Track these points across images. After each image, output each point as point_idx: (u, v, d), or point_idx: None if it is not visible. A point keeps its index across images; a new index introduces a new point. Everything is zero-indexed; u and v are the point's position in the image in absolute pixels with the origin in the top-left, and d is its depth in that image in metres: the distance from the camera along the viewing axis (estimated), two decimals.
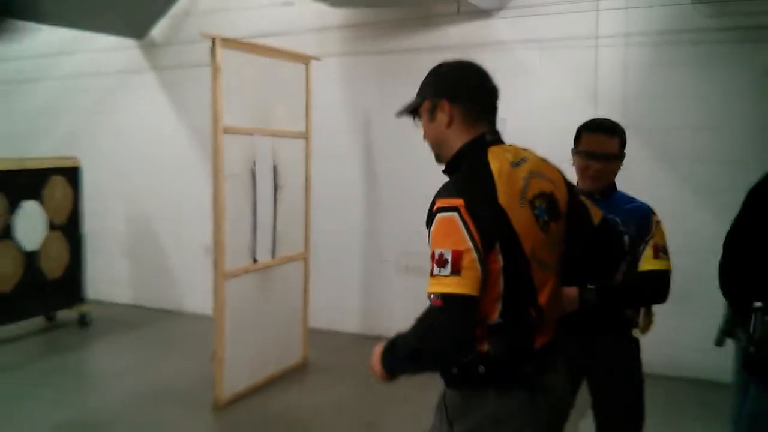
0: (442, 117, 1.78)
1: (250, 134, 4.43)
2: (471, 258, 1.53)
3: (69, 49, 7.04)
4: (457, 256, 1.52)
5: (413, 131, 5.55)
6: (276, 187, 4.72)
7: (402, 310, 5.65)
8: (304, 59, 4.93)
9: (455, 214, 1.56)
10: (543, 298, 1.70)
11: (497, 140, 1.79)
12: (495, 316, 1.62)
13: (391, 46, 5.57)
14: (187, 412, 4.24)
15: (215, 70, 4.06)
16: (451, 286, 1.52)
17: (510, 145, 1.81)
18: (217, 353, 4.21)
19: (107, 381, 4.87)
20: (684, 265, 4.69)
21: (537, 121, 5.02)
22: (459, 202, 1.57)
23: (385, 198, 5.68)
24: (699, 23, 4.63)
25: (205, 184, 6.17)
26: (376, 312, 5.81)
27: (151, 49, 6.68)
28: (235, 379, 4.37)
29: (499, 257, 1.60)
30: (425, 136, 1.87)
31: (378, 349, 1.75)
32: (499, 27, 5.19)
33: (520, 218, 1.63)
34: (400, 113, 1.93)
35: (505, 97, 5.79)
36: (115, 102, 6.90)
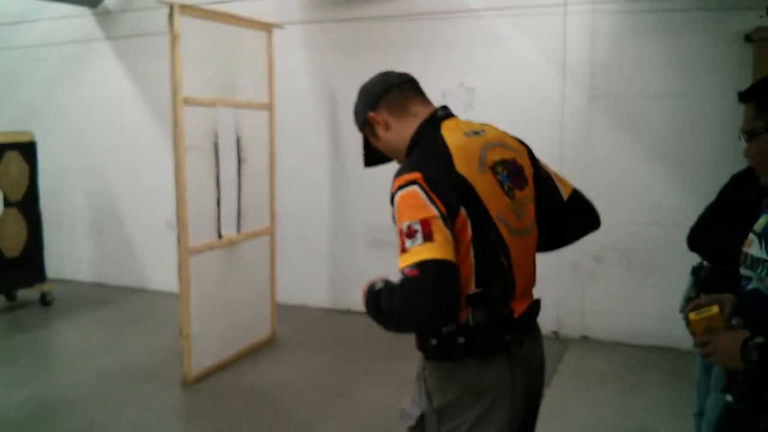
0: (379, 128, 1.83)
1: (212, 105, 4.31)
2: (439, 224, 1.51)
3: (22, 19, 6.75)
4: (426, 223, 1.50)
5: None
6: (240, 160, 4.62)
7: None
8: (267, 27, 4.79)
9: (415, 186, 1.55)
10: (516, 262, 1.69)
11: (449, 114, 1.80)
12: (471, 286, 1.61)
13: (357, 13, 5.43)
14: (155, 388, 4.18)
15: (173, 39, 3.93)
16: (426, 252, 1.47)
17: (467, 120, 1.81)
18: (183, 329, 4.14)
19: (72, 359, 4.78)
20: (648, 235, 4.78)
21: (506, 90, 4.98)
22: (416, 175, 1.56)
23: (351, 171, 5.60)
24: None
25: (167, 158, 6.01)
26: (344, 286, 5.77)
27: (106, 18, 6.44)
28: (203, 355, 4.31)
29: (468, 225, 1.58)
30: (386, 153, 1.90)
31: (364, 288, 1.68)
32: None
33: (483, 184, 1.63)
34: (367, 161, 1.98)
35: (474, 65, 5.82)
36: (71, 73, 6.65)
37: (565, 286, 4.98)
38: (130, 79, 6.40)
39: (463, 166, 1.61)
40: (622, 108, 4.79)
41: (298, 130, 5.63)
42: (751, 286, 1.73)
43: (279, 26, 4.89)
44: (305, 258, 5.85)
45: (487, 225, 1.62)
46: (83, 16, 6.48)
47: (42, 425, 3.73)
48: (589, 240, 5.06)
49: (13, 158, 5.73)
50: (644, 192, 4.78)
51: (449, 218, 1.54)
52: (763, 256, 1.70)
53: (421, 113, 1.80)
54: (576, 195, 1.93)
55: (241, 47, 4.58)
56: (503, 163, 1.71)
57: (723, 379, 1.83)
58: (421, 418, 1.69)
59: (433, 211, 1.51)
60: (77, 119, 6.67)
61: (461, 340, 1.62)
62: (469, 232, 1.58)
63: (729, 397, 1.77)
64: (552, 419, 3.69)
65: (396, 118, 1.80)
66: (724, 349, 1.63)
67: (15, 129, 6.07)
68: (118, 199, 6.63)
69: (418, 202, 1.52)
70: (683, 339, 4.55)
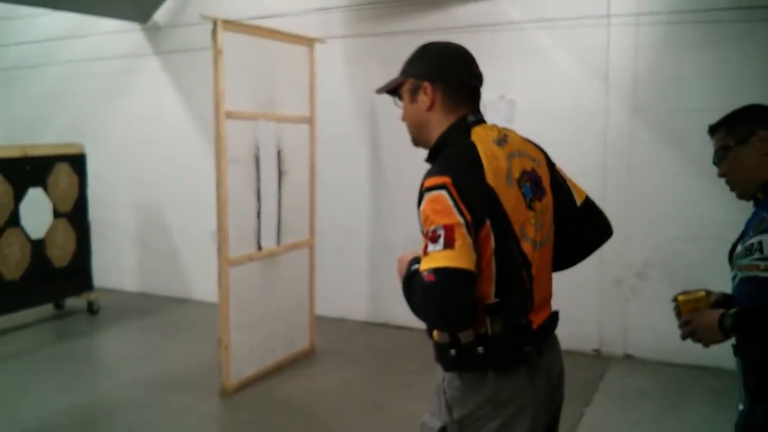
0: (423, 99, 1.76)
1: (254, 119, 4.38)
2: (462, 232, 1.51)
3: (72, 34, 6.98)
4: (449, 229, 1.51)
5: None
6: (280, 173, 4.67)
7: None
8: (308, 42, 4.86)
9: (443, 191, 1.55)
10: (536, 274, 1.69)
11: (480, 120, 1.77)
12: (491, 297, 1.61)
13: (397, 27, 5.47)
14: (194, 397, 4.24)
15: (216, 54, 4.01)
16: (445, 260, 1.48)
17: (492, 125, 1.79)
18: (222, 340, 4.20)
19: (116, 367, 4.89)
20: (692, 250, 4.66)
21: (547, 102, 4.94)
22: (446, 179, 1.55)
23: (391, 183, 5.62)
24: (711, 2, 4.52)
25: (210, 171, 6.14)
26: (382, 299, 5.77)
27: (154, 33, 6.61)
28: (242, 365, 4.36)
29: (491, 236, 1.58)
30: (404, 117, 1.84)
31: (405, 260, 1.71)
32: (508, 7, 5.08)
33: (509, 197, 1.63)
34: (381, 90, 1.89)
35: (515, 77, 5.79)
36: (120, 87, 6.85)
37: (607, 304, 4.89)
38: (176, 93, 6.55)
39: (492, 177, 1.61)
40: (665, 121, 4.70)
41: (338, 143, 5.68)
42: (737, 279, 1.86)
43: (321, 41, 4.95)
44: (344, 270, 5.87)
45: (511, 238, 1.62)
46: (133, 31, 6.66)
47: (87, 429, 3.82)
48: (630, 254, 4.97)
49: (63, 170, 5.90)
50: (688, 206, 4.68)
51: (474, 227, 1.54)
52: (740, 248, 1.85)
53: (458, 114, 1.76)
54: (589, 202, 1.91)
55: (282, 61, 4.64)
56: (525, 174, 1.71)
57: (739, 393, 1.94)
58: (442, 430, 1.69)
59: (458, 218, 1.52)
60: (124, 132, 6.85)
61: (480, 350, 1.62)
62: (492, 244, 1.59)
63: (741, 406, 1.91)
64: None
65: (443, 107, 1.76)
66: (704, 325, 1.80)
67: (64, 141, 6.28)
68: (162, 211, 6.77)
69: (445, 208, 1.53)
70: (727, 359, 4.42)
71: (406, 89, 1.80)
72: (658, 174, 4.76)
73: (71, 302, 6.27)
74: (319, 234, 5.18)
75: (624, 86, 4.77)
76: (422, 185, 1.60)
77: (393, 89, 1.86)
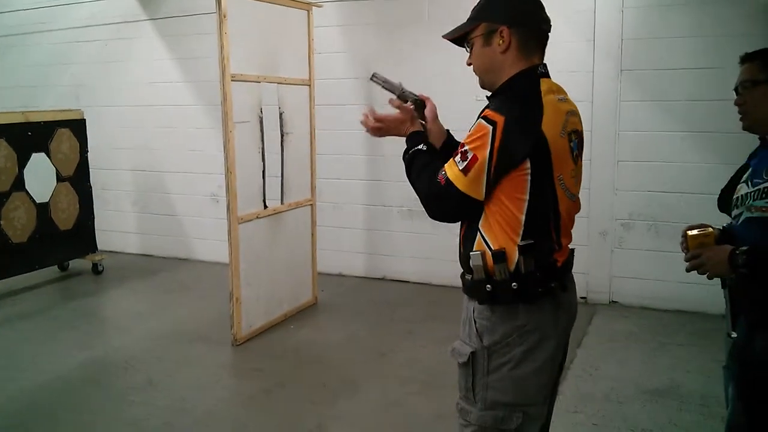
0: (498, 42, 1.84)
1: (257, 82, 4.52)
2: (481, 168, 1.73)
3: (68, 1, 7.02)
4: (474, 160, 1.73)
5: (415, 77, 5.75)
6: (282, 134, 4.84)
7: (406, 251, 5.87)
8: (306, 6, 4.98)
9: (490, 128, 1.71)
10: (563, 220, 1.86)
11: (546, 73, 1.89)
12: (520, 234, 1.78)
13: None
14: (207, 348, 4.46)
15: (221, 18, 4.13)
16: (458, 179, 1.75)
17: (555, 82, 1.90)
18: (233, 293, 4.41)
19: (127, 323, 5.07)
20: (677, 202, 4.92)
21: None
22: (500, 119, 1.71)
23: (387, 145, 5.75)
24: None
25: (209, 133, 6.32)
26: (380, 255, 6.02)
27: None
28: (251, 317, 4.59)
29: (527, 178, 1.74)
30: (473, 62, 1.93)
31: (408, 130, 2.07)
32: None
33: (558, 146, 1.77)
34: (448, 36, 1.96)
35: None
36: (118, 53, 6.93)
37: (594, 253, 5.16)
38: (172, 57, 6.65)
39: (548, 126, 1.73)
40: (651, 80, 4.91)
41: (335, 105, 5.83)
42: (742, 218, 1.99)
43: (318, 5, 5.08)
44: (342, 228, 6.09)
45: (548, 183, 1.78)
46: None
47: (105, 381, 4.00)
48: (617, 208, 5.21)
49: (65, 135, 6.01)
50: (673, 162, 4.92)
51: (498, 169, 1.72)
52: (750, 189, 1.97)
53: (530, 61, 1.86)
54: None
55: (281, 25, 4.76)
56: (576, 132, 1.87)
57: (728, 325, 2.07)
58: (473, 355, 1.87)
59: (485, 155, 1.72)
60: (123, 97, 6.95)
61: (514, 285, 1.79)
62: (527, 184, 1.74)
63: (734, 334, 2.04)
64: (584, 376, 3.91)
65: (516, 50, 1.84)
66: (713, 259, 1.93)
67: (64, 107, 6.36)
68: (162, 174, 6.91)
69: (483, 141, 1.72)
70: (710, 304, 4.76)
71: (478, 34, 1.87)
72: (644, 131, 4.99)
73: (75, 263, 6.43)
74: (318, 193, 5.38)
75: (610, 47, 4.97)
76: (483, 110, 1.77)
77: (460, 36, 1.93)
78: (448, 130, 2.16)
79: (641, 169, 5.00)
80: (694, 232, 2.02)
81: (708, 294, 4.74)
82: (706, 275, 1.98)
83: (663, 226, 4.95)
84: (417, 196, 1.90)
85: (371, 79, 2.19)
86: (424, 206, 1.88)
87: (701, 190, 4.72)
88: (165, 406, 3.65)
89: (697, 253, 1.98)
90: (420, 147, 1.96)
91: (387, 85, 2.15)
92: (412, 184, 1.93)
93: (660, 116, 4.92)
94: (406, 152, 2.00)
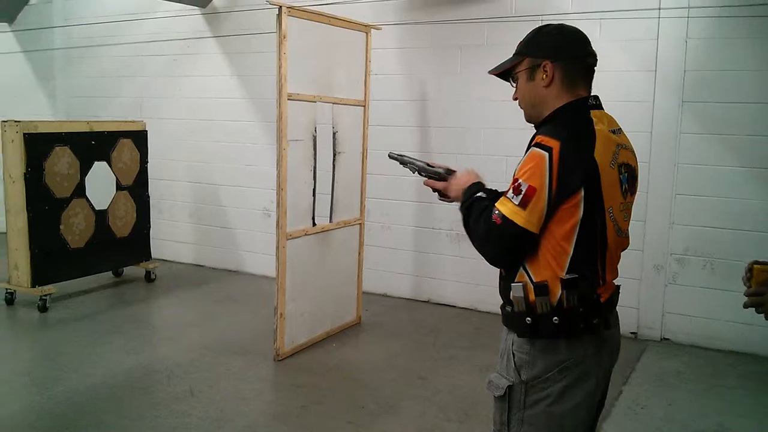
0: (541, 76, 1.86)
1: (313, 101, 4.59)
2: (541, 198, 1.68)
3: (135, 16, 7.31)
4: (531, 192, 1.68)
5: (468, 101, 5.73)
6: (335, 154, 4.89)
7: (453, 275, 5.83)
8: (364, 28, 5.05)
9: (546, 154, 1.67)
10: (609, 254, 1.82)
11: (599, 105, 1.89)
12: (565, 267, 1.74)
13: (448, 15, 5.62)
14: (249, 361, 4.50)
15: (281, 38, 4.21)
16: (515, 214, 1.70)
17: (608, 115, 1.90)
18: (278, 308, 4.45)
19: (174, 331, 5.16)
20: (733, 239, 4.76)
21: (595, 91, 5.02)
22: (555, 143, 1.68)
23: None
24: None
25: (264, 150, 6.45)
26: (426, 278, 6.00)
27: (213, 16, 6.88)
28: (294, 332, 4.62)
29: (580, 207, 1.70)
30: (518, 96, 1.94)
31: (465, 184, 1.96)
32: None
33: (608, 177, 1.74)
34: (494, 71, 1.98)
35: None
36: (180, 68, 7.15)
37: (647, 288, 5.02)
38: (232, 74, 6.82)
39: (599, 154, 1.72)
40: (712, 113, 4.78)
41: (388, 127, 5.87)
42: None
43: (377, 27, 5.14)
44: (390, 249, 6.09)
45: (598, 214, 1.74)
46: (193, 14, 6.94)
47: (148, 389, 4.07)
48: (673, 242, 5.08)
49: (127, 146, 6.21)
50: (731, 197, 4.77)
51: (558, 197, 1.68)
52: None
53: (576, 94, 1.87)
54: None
55: (339, 46, 4.83)
56: (627, 166, 1.84)
57: None
58: (509, 389, 1.83)
59: (544, 183, 1.67)
60: (184, 111, 7.16)
61: (555, 320, 1.75)
62: (579, 215, 1.71)
63: None
64: (630, 414, 3.80)
65: (562, 85, 1.85)
66: None
67: (128, 118, 6.57)
68: (217, 187, 7.07)
69: (539, 170, 1.67)
70: (763, 345, 4.56)
71: (522, 69, 1.90)
72: (704, 165, 4.85)
73: (129, 270, 6.61)
74: (366, 212, 5.40)
75: (672, 78, 4.86)
76: (535, 138, 1.74)
77: (505, 70, 1.95)
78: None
79: (699, 204, 4.86)
80: (762, 267, 1.90)
81: (762, 336, 4.61)
82: (764, 315, 1.88)
83: (719, 263, 4.78)
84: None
85: (389, 156, 2.26)
86: (483, 253, 1.81)
87: (761, 229, 4.56)
88: (204, 416, 3.69)
89: (762, 291, 1.86)
90: (479, 194, 1.90)
91: (406, 164, 2.20)
92: (469, 235, 1.85)
93: (721, 150, 4.78)
94: (462, 203, 1.93)
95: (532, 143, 1.74)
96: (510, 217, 1.70)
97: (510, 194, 1.72)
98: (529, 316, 1.79)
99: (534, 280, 1.77)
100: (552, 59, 1.84)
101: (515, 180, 1.72)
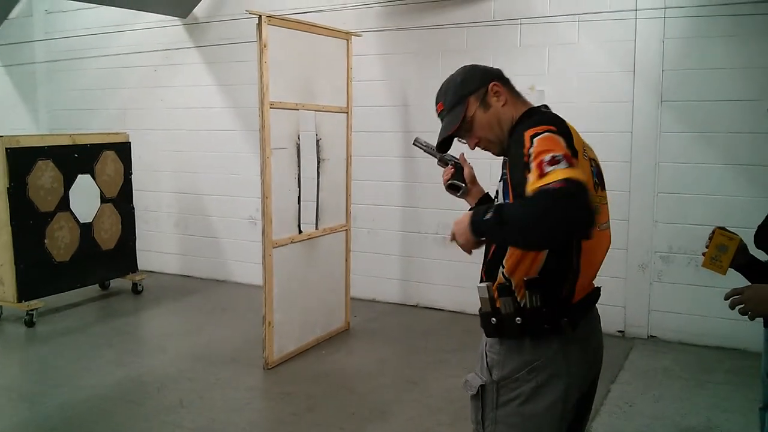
0: (495, 98, 1.87)
1: (296, 109, 4.60)
2: (577, 160, 1.60)
3: (118, 27, 7.29)
4: (567, 156, 1.51)
5: None
6: (319, 161, 4.90)
7: (441, 278, 5.85)
8: (345, 35, 5.07)
9: (551, 132, 1.59)
10: (584, 252, 1.78)
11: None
12: (534, 270, 1.74)
13: (429, 21, 5.65)
14: (239, 371, 4.49)
15: (261, 47, 4.23)
16: (572, 172, 1.46)
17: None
18: (266, 316, 4.45)
19: (162, 343, 5.15)
20: None
21: (576, 93, 5.09)
22: (550, 127, 1.63)
23: (423, 171, 5.81)
24: None
25: (249, 158, 6.45)
26: (414, 282, 6.01)
27: (195, 26, 6.87)
28: (283, 341, 4.61)
29: None
30: (479, 135, 1.89)
31: (465, 219, 1.63)
32: (537, 1, 5.25)
33: (584, 167, 1.73)
34: (448, 131, 1.90)
35: (544, 69, 5.92)
36: (162, 78, 7.14)
37: (632, 286, 5.06)
38: (214, 83, 6.82)
39: (577, 144, 1.70)
40: (692, 111, 4.84)
41: (372, 133, 5.89)
42: None
43: (357, 34, 5.16)
44: (376, 254, 6.10)
45: None
46: (174, 25, 6.94)
47: (139, 400, 4.06)
48: (656, 240, 5.13)
49: (110, 158, 6.18)
50: (713, 194, 4.83)
51: None
52: None
53: (528, 103, 1.90)
54: None
55: (320, 54, 4.85)
56: (594, 161, 1.86)
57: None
58: (482, 388, 1.85)
59: (570, 152, 1.56)
60: (167, 122, 7.15)
61: (518, 320, 1.77)
62: None
63: None
64: (618, 413, 3.82)
65: (513, 97, 1.89)
66: (758, 297, 1.88)
67: (111, 130, 6.54)
68: (202, 197, 7.05)
69: (559, 142, 1.56)
70: (750, 341, 4.62)
71: (474, 107, 1.87)
72: (685, 163, 4.91)
73: (116, 283, 6.58)
74: (352, 218, 5.41)
75: (651, 78, 4.92)
76: (525, 136, 1.60)
77: (457, 127, 1.89)
78: (487, 193, 2.24)
79: (681, 202, 4.91)
80: (723, 233, 2.07)
81: (749, 331, 4.64)
82: (747, 315, 1.91)
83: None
84: (530, 242, 1.59)
85: (414, 143, 2.32)
86: (554, 225, 1.46)
87: (742, 224, 4.52)
88: (195, 427, 3.68)
89: (740, 291, 1.93)
90: (488, 216, 1.57)
91: (428, 150, 2.31)
92: (525, 231, 1.53)
93: (701, 148, 4.84)
94: (477, 227, 1.61)
95: (526, 137, 1.60)
96: (570, 177, 1.45)
97: (548, 169, 1.48)
98: (494, 316, 1.81)
99: (508, 279, 1.77)
100: (495, 80, 1.89)
101: (541, 160, 1.51)
